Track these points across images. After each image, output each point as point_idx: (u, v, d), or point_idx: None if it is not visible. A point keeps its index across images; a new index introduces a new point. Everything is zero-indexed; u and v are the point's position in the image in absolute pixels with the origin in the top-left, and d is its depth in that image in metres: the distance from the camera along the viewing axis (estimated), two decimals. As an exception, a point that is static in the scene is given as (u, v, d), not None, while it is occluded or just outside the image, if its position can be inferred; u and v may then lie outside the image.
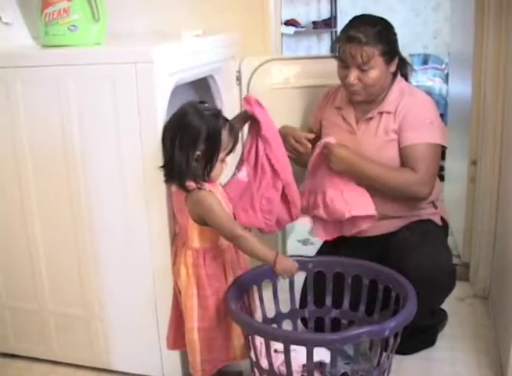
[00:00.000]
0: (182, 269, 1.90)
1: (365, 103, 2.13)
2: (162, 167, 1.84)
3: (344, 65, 2.07)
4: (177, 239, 1.98)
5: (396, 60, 2.09)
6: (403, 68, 2.19)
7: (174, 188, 1.87)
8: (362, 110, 2.16)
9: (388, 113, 2.10)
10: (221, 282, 1.92)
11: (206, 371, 1.95)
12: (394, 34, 2.09)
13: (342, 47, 2.06)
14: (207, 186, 1.82)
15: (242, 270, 2.00)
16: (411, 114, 2.07)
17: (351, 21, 2.09)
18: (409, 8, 6.12)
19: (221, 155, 1.84)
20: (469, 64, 2.67)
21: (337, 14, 6.28)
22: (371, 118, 2.12)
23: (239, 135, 2.00)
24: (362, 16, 2.12)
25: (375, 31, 2.01)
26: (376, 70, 2.03)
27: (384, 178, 2.06)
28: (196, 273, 1.89)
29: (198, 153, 1.79)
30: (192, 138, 1.78)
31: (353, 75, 2.05)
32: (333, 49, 2.12)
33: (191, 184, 1.80)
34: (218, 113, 1.85)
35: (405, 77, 2.20)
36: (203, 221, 1.85)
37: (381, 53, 2.02)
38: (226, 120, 1.87)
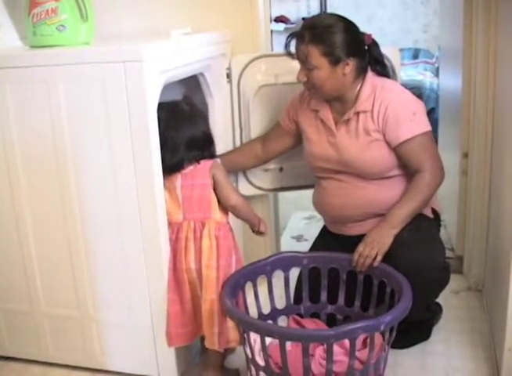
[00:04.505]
0: (206, 242, 1.98)
1: (340, 102, 2.12)
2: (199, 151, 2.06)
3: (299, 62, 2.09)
4: (184, 225, 2.02)
5: (349, 63, 2.02)
6: (383, 71, 2.16)
7: (191, 167, 2.04)
8: (339, 111, 2.14)
9: (364, 112, 2.07)
10: (231, 257, 2.03)
11: (221, 344, 2.00)
12: (350, 37, 2.03)
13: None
14: None
15: (239, 249, 2.11)
16: (392, 111, 2.03)
17: (306, 19, 2.10)
18: (399, 1, 6.12)
19: None
20: (459, 58, 2.68)
21: (326, 10, 6.26)
22: (349, 120, 2.10)
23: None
24: (319, 15, 2.13)
25: (320, 31, 2.00)
26: (320, 71, 2.02)
27: (420, 203, 2.05)
28: (217, 245, 1.99)
29: None
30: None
31: (300, 73, 2.07)
32: (285, 45, 2.10)
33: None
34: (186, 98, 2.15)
35: (387, 76, 2.17)
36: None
37: (323, 53, 1.99)
38: None
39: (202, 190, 2.02)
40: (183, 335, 2.06)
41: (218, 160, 2.14)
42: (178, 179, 2.03)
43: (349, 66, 2.03)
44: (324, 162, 2.16)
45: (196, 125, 2.05)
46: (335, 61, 2.01)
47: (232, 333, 2.01)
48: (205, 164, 2.04)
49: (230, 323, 1.99)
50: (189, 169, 2.03)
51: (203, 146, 2.06)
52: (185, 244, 2.01)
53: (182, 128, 2.02)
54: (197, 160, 2.05)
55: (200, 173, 2.03)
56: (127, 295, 2.07)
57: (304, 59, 2.03)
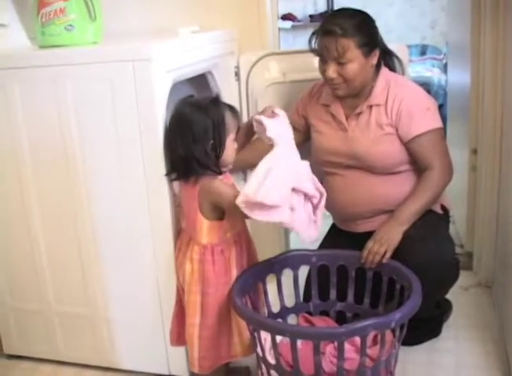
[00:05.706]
0: (187, 265, 1.90)
1: (352, 97, 2.12)
2: (171, 166, 1.88)
3: (323, 59, 2.06)
4: (182, 235, 1.98)
5: (377, 53, 2.05)
6: (390, 62, 2.17)
7: (182, 183, 1.89)
8: (350, 106, 2.14)
9: (378, 105, 2.08)
10: (226, 277, 1.92)
11: (203, 367, 1.95)
12: (374, 27, 2.07)
13: (318, 41, 2.05)
14: (219, 177, 1.86)
15: (249, 261, 2.01)
16: (406, 105, 2.04)
17: (329, 15, 2.09)
18: (406, -2, 6.11)
19: (232, 136, 1.88)
20: (467, 54, 2.67)
21: (333, 7, 6.25)
22: (360, 113, 2.11)
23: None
24: (340, 9, 2.12)
25: (351, 23, 1.99)
26: (355, 64, 2.01)
27: (428, 200, 2.06)
28: (201, 269, 1.89)
29: (211, 142, 1.83)
30: (204, 131, 1.81)
31: (331, 69, 2.04)
32: (310, 44, 2.09)
33: (207, 175, 1.84)
34: (215, 99, 1.90)
35: (393, 71, 2.17)
36: (213, 213, 1.86)
37: (358, 45, 1.99)
38: (224, 103, 1.91)
39: (189, 206, 1.90)
40: (183, 337, 2.01)
41: (219, 178, 1.86)
42: (182, 187, 1.94)
43: (376, 57, 2.06)
44: (334, 156, 2.16)
45: (194, 143, 1.81)
46: (368, 52, 2.03)
47: (238, 346, 1.97)
48: (191, 189, 1.86)
49: (236, 339, 1.96)
50: (183, 181, 1.89)
51: (189, 167, 1.83)
52: (177, 255, 1.97)
53: (175, 143, 1.85)
54: (190, 176, 1.85)
55: (186, 195, 1.90)
56: (137, 293, 2.08)
57: (339, 54, 1.99)
